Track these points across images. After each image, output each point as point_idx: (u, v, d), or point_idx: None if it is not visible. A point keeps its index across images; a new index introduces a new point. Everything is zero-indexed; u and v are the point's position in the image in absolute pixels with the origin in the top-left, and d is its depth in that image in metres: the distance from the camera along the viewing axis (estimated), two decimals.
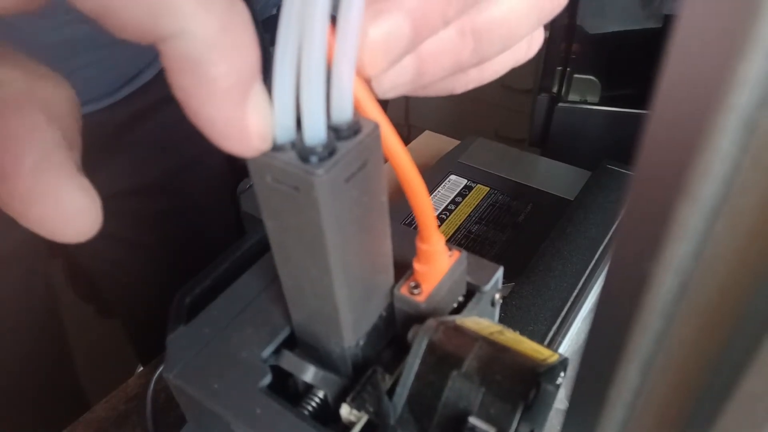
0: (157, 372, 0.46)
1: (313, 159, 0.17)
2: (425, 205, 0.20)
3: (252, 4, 1.02)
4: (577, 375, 0.16)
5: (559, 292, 0.45)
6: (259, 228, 0.29)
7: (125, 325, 0.82)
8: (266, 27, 1.18)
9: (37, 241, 0.60)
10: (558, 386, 0.21)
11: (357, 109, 0.17)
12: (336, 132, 0.17)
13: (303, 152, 0.17)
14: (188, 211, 0.68)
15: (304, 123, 0.17)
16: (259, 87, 0.14)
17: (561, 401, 0.24)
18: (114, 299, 0.77)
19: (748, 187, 0.10)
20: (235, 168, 0.70)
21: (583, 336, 0.44)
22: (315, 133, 0.17)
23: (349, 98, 0.17)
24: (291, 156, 0.17)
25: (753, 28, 0.09)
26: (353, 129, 0.18)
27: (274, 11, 1.17)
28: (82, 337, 0.84)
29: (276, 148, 0.17)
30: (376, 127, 0.18)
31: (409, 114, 1.62)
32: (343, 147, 0.17)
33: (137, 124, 0.59)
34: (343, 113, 0.17)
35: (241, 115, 0.14)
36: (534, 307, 0.44)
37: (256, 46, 0.14)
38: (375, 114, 0.18)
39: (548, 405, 0.21)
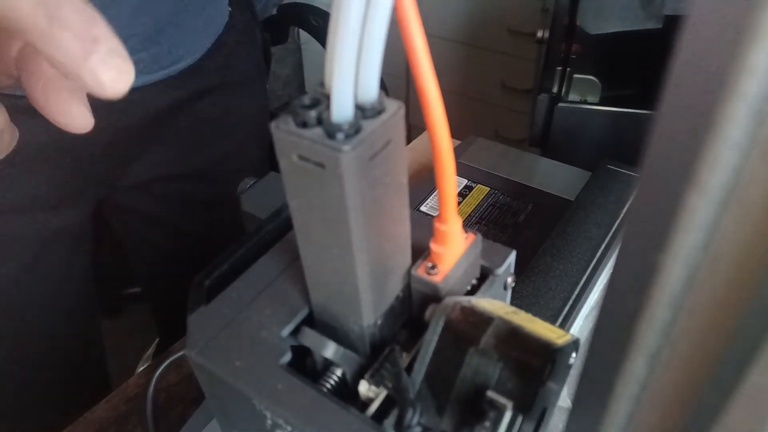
0: (158, 372, 0.46)
1: (340, 136, 0.17)
2: (450, 182, 0.21)
3: (252, 5, 1.03)
4: (583, 369, 0.16)
5: (559, 292, 0.45)
6: (267, 221, 0.30)
7: (154, 310, 0.84)
8: (266, 27, 1.18)
9: (83, 222, 0.62)
10: (570, 366, 0.22)
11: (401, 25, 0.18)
12: (361, 111, 0.18)
13: (329, 129, 0.17)
14: (227, 202, 0.70)
15: (332, 100, 0.17)
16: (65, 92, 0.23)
17: (564, 399, 0.24)
18: (146, 283, 0.79)
19: (757, 178, 0.10)
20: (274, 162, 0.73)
21: (584, 335, 0.44)
22: (343, 110, 0.17)
23: (375, 77, 0.17)
24: (317, 133, 0.17)
25: (763, 17, 0.09)
26: (377, 109, 0.18)
27: (274, 11, 1.17)
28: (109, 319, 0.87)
29: (302, 124, 0.18)
30: (401, 107, 0.19)
31: (409, 114, 1.62)
32: (368, 125, 0.18)
33: (180, 113, 0.61)
34: (368, 92, 0.18)
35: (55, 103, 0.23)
36: (535, 306, 0.44)
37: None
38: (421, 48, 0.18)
39: (561, 383, 0.22)
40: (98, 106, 0.57)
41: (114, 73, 0.20)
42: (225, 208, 0.70)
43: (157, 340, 1.01)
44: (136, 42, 0.53)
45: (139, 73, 0.56)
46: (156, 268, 0.75)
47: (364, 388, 0.22)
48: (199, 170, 0.66)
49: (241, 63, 0.66)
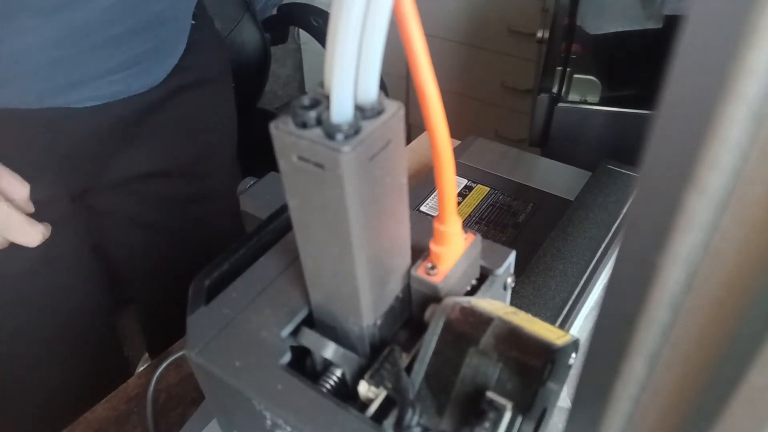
0: (158, 372, 0.46)
1: (339, 136, 0.17)
2: (450, 183, 0.21)
3: (252, 5, 1.02)
4: (582, 370, 0.16)
5: (559, 292, 0.45)
6: (267, 221, 0.30)
7: (140, 314, 0.84)
8: (266, 27, 1.17)
9: (75, 244, 0.63)
10: (570, 366, 0.22)
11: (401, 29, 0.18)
12: (361, 111, 0.18)
13: (329, 129, 0.17)
14: (205, 199, 0.71)
15: (332, 101, 0.17)
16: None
17: (564, 400, 0.24)
18: (131, 287, 0.79)
19: (756, 178, 0.10)
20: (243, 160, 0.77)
21: (584, 335, 0.44)
22: (342, 111, 0.17)
23: (375, 78, 0.18)
24: (317, 133, 0.17)
25: (763, 18, 0.09)
26: (377, 109, 0.18)
27: (274, 11, 1.17)
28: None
29: (302, 125, 0.18)
30: (400, 107, 0.19)
31: (409, 114, 1.63)
32: (368, 126, 0.18)
33: (158, 111, 0.61)
34: (368, 93, 0.18)
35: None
36: (535, 306, 0.44)
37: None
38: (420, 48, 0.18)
39: (561, 383, 0.22)
40: (69, 110, 0.57)
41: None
42: (204, 206, 0.71)
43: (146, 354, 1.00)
44: (111, 69, 0.54)
45: (111, 95, 0.57)
46: (138, 270, 0.74)
47: (363, 388, 0.22)
48: (174, 168, 0.67)
49: (211, 62, 0.67)
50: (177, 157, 0.66)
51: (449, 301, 0.22)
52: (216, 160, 0.70)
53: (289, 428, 0.22)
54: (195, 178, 0.69)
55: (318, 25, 1.09)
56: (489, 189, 0.59)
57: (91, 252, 0.66)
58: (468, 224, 0.55)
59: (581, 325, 0.45)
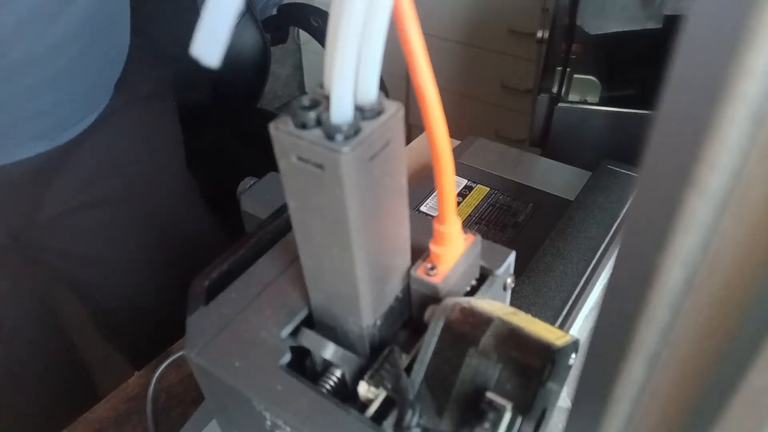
0: (158, 372, 0.46)
1: (339, 137, 0.17)
2: (449, 184, 0.21)
3: (252, 5, 1.02)
4: (582, 370, 0.16)
5: (559, 292, 0.45)
6: (267, 221, 0.30)
7: (116, 337, 0.81)
8: (266, 27, 1.17)
9: (34, 269, 0.62)
10: (570, 366, 0.22)
11: (399, 29, 0.18)
12: (361, 112, 0.18)
13: (329, 130, 0.17)
14: (153, 221, 0.68)
15: (332, 101, 0.17)
16: None
17: (564, 400, 0.24)
18: (99, 317, 0.76)
19: (756, 179, 0.10)
20: (199, 174, 0.74)
21: (584, 335, 0.44)
22: (342, 111, 0.17)
23: (375, 79, 0.18)
24: (317, 134, 0.17)
25: (762, 19, 0.09)
26: (377, 110, 0.18)
27: (274, 11, 1.17)
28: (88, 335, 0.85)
29: (301, 125, 0.18)
30: (400, 108, 0.19)
31: (409, 114, 1.63)
32: (368, 126, 0.18)
33: (86, 139, 0.58)
34: (368, 94, 0.18)
35: None
36: (535, 306, 0.44)
37: None
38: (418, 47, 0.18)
39: (561, 384, 0.22)
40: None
41: None
42: (146, 230, 0.67)
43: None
44: (38, 134, 0.53)
45: (42, 147, 0.55)
46: (97, 303, 0.71)
47: (363, 389, 0.22)
48: (112, 196, 0.63)
49: (146, 78, 0.64)
50: (109, 187, 0.62)
51: (449, 301, 0.22)
52: (161, 182, 0.67)
53: (288, 429, 0.22)
54: (136, 203, 0.65)
55: (318, 25, 1.09)
56: (489, 189, 0.58)
57: (32, 292, 0.64)
58: (468, 224, 0.55)
59: (581, 325, 0.45)
